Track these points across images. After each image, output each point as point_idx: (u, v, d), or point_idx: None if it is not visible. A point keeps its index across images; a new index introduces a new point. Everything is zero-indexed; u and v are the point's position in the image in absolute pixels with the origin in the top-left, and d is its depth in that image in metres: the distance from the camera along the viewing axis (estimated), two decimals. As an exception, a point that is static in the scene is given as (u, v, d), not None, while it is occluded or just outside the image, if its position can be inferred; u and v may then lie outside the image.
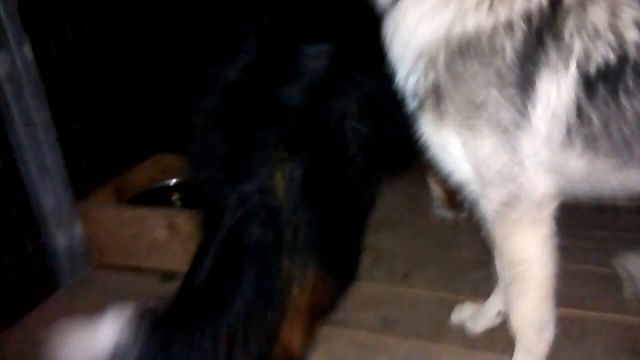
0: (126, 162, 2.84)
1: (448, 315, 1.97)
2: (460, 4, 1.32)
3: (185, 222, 2.21)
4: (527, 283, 1.48)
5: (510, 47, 1.28)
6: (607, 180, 1.41)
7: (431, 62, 1.35)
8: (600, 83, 1.27)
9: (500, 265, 1.63)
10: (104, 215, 2.49)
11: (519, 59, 1.29)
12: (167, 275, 2.28)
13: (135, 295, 1.51)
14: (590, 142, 1.32)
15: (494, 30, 1.29)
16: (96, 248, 2.48)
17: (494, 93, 1.30)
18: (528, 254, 1.46)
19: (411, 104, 1.46)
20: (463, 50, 1.31)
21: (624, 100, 1.27)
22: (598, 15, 1.27)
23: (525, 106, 1.30)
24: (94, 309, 1.37)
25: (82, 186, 2.56)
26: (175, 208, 2.67)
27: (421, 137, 1.48)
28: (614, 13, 1.27)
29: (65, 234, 2.39)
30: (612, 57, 1.26)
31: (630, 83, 1.26)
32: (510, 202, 1.40)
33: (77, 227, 2.44)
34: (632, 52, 1.25)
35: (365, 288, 2.11)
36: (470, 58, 1.31)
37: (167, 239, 2.35)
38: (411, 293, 2.17)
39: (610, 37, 1.26)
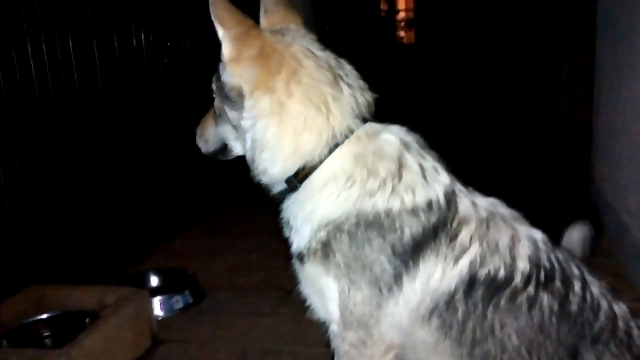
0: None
1: None
2: (364, 186, 1.48)
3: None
4: None
5: (408, 230, 1.46)
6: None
7: (334, 228, 1.49)
8: (482, 287, 1.46)
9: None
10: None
11: (413, 240, 1.46)
12: None
13: None
14: (445, 327, 1.48)
15: (399, 213, 1.46)
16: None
17: (382, 259, 1.47)
18: None
19: (295, 258, 1.61)
20: (367, 222, 1.47)
21: (489, 312, 1.46)
22: (501, 236, 1.49)
23: (402, 278, 1.47)
24: None
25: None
26: (44, 348, 2.50)
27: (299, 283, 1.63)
28: (513, 241, 1.49)
29: None
30: (501, 273, 1.46)
31: (503, 302, 1.45)
32: (358, 346, 1.54)
33: None
34: (517, 278, 1.46)
35: None
36: (371, 228, 1.47)
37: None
38: None
39: (507, 257, 1.47)
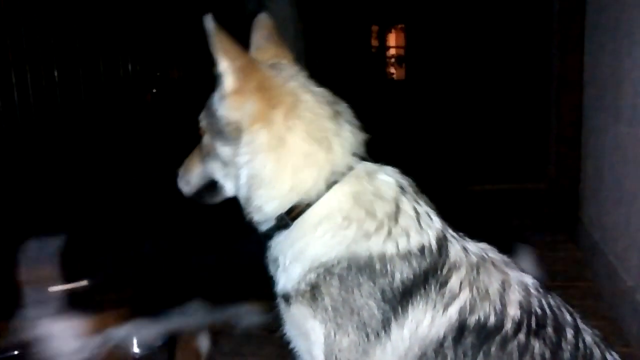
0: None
1: None
2: (361, 227, 1.44)
3: None
4: None
5: (399, 276, 1.42)
6: None
7: (325, 271, 1.44)
8: (472, 335, 1.41)
9: None
10: None
11: (403, 285, 1.42)
12: None
13: None
14: None
15: (391, 258, 1.42)
16: None
17: (371, 304, 1.42)
18: None
19: (280, 298, 1.54)
20: (359, 266, 1.42)
21: (479, 359, 1.40)
22: (491, 282, 1.44)
23: (390, 324, 1.42)
24: None
25: None
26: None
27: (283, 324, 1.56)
28: (504, 286, 1.45)
29: None
30: (491, 319, 1.41)
31: (493, 349, 1.40)
32: None
33: None
34: (508, 325, 1.41)
35: None
36: (362, 272, 1.42)
37: None
38: None
39: (497, 303, 1.42)
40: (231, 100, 1.45)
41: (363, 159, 1.51)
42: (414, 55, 15.60)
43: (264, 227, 1.53)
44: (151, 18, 3.74)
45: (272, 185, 1.44)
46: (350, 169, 1.47)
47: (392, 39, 17.91)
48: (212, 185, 1.63)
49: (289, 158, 1.43)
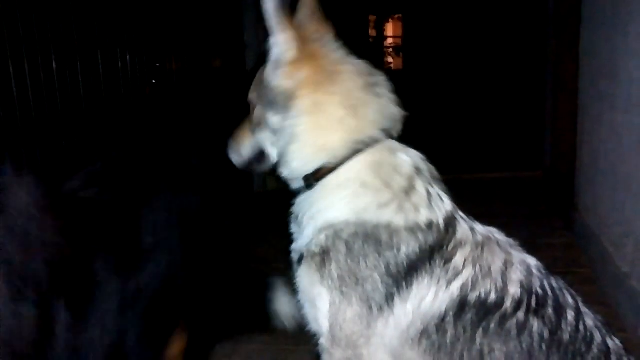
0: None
1: None
2: (375, 196, 1.50)
3: None
4: None
5: (405, 249, 1.47)
6: None
7: (334, 234, 1.51)
8: (472, 311, 1.45)
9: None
10: None
11: (409, 260, 1.47)
12: None
13: None
14: (434, 350, 1.47)
15: (398, 230, 1.48)
16: None
17: (375, 277, 1.47)
18: None
19: (295, 256, 1.63)
20: (366, 235, 1.48)
21: (479, 336, 1.44)
22: (495, 260, 1.49)
23: (394, 298, 1.47)
24: None
25: None
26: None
27: (295, 284, 1.64)
28: (506, 266, 1.49)
29: None
30: (492, 296, 1.45)
31: (492, 326, 1.44)
32: None
33: None
34: (507, 303, 1.45)
35: None
36: (368, 242, 1.48)
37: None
38: None
39: (499, 282, 1.46)
40: (287, 70, 1.57)
41: (391, 136, 1.60)
42: (411, 45, 15.56)
43: (293, 185, 1.65)
44: (149, 8, 3.73)
45: (304, 143, 1.56)
46: (376, 141, 1.55)
47: (389, 29, 17.86)
48: (261, 155, 1.76)
49: (322, 120, 1.55)
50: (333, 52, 1.62)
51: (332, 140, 1.54)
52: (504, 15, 12.18)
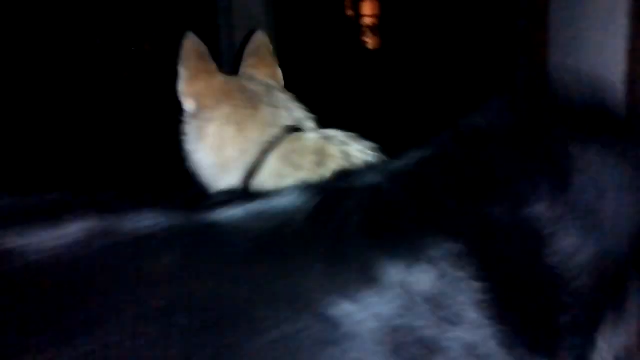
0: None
1: None
2: (292, 179, 1.55)
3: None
4: None
5: None
6: None
7: None
8: None
9: None
10: None
11: None
12: None
13: None
14: None
15: None
16: None
17: None
18: None
19: None
20: None
21: None
22: None
23: None
24: None
25: None
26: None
27: None
28: None
29: None
30: None
31: None
32: None
33: None
34: None
35: None
36: None
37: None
38: None
39: None
40: (181, 97, 1.70)
41: (297, 129, 1.66)
42: (388, 24, 15.52)
43: None
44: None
45: (211, 169, 1.67)
46: (279, 139, 1.62)
47: (366, 8, 17.78)
48: None
49: (209, 142, 1.65)
50: (236, 83, 1.71)
51: (228, 155, 1.64)
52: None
